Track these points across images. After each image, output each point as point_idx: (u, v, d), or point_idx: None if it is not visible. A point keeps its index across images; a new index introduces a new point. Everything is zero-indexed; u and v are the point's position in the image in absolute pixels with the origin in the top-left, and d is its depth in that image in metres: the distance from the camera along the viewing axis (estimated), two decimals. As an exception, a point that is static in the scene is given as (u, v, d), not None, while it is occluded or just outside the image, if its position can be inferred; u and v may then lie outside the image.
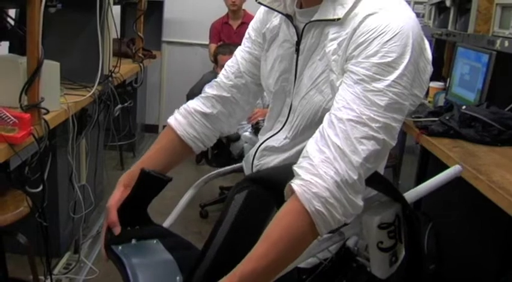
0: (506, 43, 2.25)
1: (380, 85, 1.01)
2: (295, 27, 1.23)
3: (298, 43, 1.22)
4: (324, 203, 0.96)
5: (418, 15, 3.69)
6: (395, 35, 1.03)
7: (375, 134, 1.00)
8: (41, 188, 2.31)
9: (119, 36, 3.83)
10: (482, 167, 1.85)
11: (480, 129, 2.24)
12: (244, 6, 5.10)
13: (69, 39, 3.10)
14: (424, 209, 2.82)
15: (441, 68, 3.56)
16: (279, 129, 1.32)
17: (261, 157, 1.36)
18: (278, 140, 1.31)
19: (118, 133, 4.12)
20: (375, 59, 1.02)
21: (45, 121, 2.25)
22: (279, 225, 0.99)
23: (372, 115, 1.00)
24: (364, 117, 1.00)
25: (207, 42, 5.26)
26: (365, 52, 1.04)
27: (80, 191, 3.00)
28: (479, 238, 2.24)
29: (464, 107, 2.38)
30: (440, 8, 3.13)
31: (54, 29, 2.73)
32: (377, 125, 1.00)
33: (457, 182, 1.87)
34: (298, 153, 1.08)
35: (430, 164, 2.82)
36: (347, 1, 1.11)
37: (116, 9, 4.35)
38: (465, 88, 2.78)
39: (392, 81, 1.02)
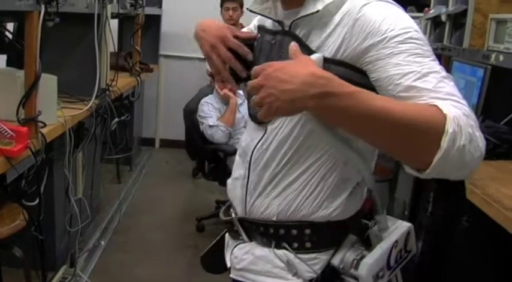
0: (501, 57, 2.26)
1: (415, 50, 1.03)
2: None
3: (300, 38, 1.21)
4: (460, 119, 0.95)
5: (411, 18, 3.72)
6: (397, 14, 1.09)
7: (442, 74, 1.02)
8: (37, 201, 2.31)
9: (117, 50, 3.84)
10: (478, 181, 1.86)
11: (476, 143, 2.25)
12: (241, 20, 5.13)
13: (66, 53, 3.11)
14: (422, 221, 2.81)
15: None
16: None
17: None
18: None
19: (115, 146, 4.12)
20: (396, 39, 1.04)
21: (42, 134, 2.25)
22: (415, 106, 0.98)
23: (426, 66, 1.02)
24: (423, 70, 1.01)
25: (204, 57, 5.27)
26: (381, 38, 1.05)
27: (76, 204, 3.00)
28: (479, 251, 2.24)
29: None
30: (436, 23, 3.16)
31: (52, 42, 2.74)
32: (436, 68, 1.02)
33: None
34: None
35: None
36: None
37: (114, 23, 4.38)
38: (461, 102, 2.79)
39: (420, 41, 1.05)
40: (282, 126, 1.22)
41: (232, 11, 4.95)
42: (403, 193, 3.18)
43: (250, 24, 1.45)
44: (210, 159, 3.90)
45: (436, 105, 0.96)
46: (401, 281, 1.29)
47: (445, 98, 0.98)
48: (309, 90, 0.94)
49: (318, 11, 1.13)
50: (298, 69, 0.98)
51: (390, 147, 1.00)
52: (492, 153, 2.21)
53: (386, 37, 1.05)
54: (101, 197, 3.95)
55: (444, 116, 0.94)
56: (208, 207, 4.16)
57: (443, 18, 2.89)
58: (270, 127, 1.25)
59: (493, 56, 2.30)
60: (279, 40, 1.22)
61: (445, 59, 3.32)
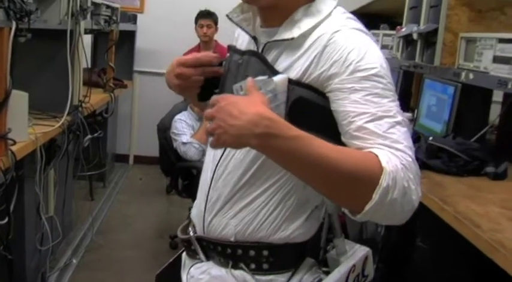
0: (471, 75, 2.30)
1: (375, 89, 1.05)
2: (258, 49, 1.25)
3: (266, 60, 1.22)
4: (396, 173, 0.98)
5: (386, 47, 3.77)
6: (366, 46, 1.10)
7: (396, 119, 1.04)
8: (6, 220, 2.26)
9: (90, 66, 3.82)
10: (449, 198, 1.87)
11: (447, 160, 2.27)
12: (215, 37, 5.15)
13: (38, 69, 3.08)
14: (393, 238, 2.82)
15: (409, 99, 3.62)
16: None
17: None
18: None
19: (88, 163, 4.07)
20: (360, 74, 1.06)
21: (12, 152, 2.21)
22: (354, 154, 1.01)
23: (382, 109, 1.04)
24: (378, 113, 1.04)
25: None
26: (346, 69, 1.07)
27: (47, 222, 2.94)
28: (450, 268, 2.25)
29: (431, 138, 2.42)
30: (408, 41, 3.20)
31: (23, 58, 2.71)
32: (392, 111, 1.05)
33: (424, 212, 1.89)
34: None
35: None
36: (304, 24, 1.15)
37: (88, 39, 4.36)
38: (432, 119, 2.83)
39: (383, 80, 1.07)
40: (237, 152, 1.22)
41: (206, 28, 4.96)
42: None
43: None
44: (184, 176, 3.88)
45: (377, 156, 0.99)
46: None
47: (391, 145, 1.01)
48: (253, 129, 0.97)
49: (292, 38, 1.14)
50: (247, 106, 1.00)
51: (326, 192, 1.05)
52: (463, 170, 2.23)
53: (351, 69, 1.06)
54: (73, 214, 3.89)
55: (381, 169, 0.97)
56: (181, 223, 4.12)
57: (415, 36, 2.93)
58: (225, 152, 1.25)
59: (463, 74, 2.34)
60: (245, 60, 1.23)
61: (416, 77, 3.37)
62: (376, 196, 0.96)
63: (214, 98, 1.03)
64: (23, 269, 2.88)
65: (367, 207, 0.98)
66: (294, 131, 0.98)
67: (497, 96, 2.91)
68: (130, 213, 4.60)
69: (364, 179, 0.97)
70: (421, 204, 1.08)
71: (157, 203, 4.96)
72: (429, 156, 2.31)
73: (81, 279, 3.35)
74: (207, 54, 1.31)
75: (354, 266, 1.23)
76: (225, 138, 0.99)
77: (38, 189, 2.77)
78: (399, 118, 1.05)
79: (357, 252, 1.27)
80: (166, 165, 3.99)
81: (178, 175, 3.89)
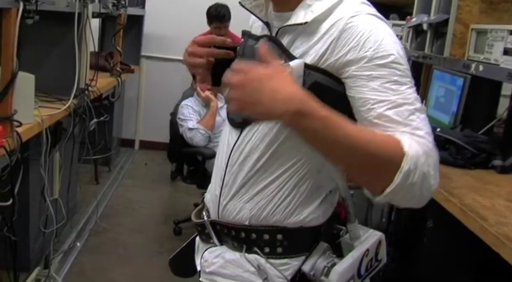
0: (481, 67, 2.27)
1: (393, 76, 1.06)
2: (270, 34, 1.24)
3: (281, 45, 1.21)
4: (417, 158, 0.99)
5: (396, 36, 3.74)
6: (383, 32, 1.09)
7: (415, 106, 1.05)
8: (10, 201, 2.27)
9: (98, 50, 3.81)
10: (455, 190, 1.86)
11: (454, 152, 2.26)
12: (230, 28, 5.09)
13: (45, 51, 3.07)
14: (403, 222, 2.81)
15: (418, 90, 3.60)
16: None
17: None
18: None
19: (93, 147, 4.08)
20: (378, 61, 1.06)
21: (18, 134, 2.21)
22: (379, 137, 1.02)
23: (402, 96, 1.04)
24: (398, 100, 1.04)
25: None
26: (364, 55, 1.06)
27: (52, 205, 2.95)
28: (455, 260, 2.25)
29: (438, 129, 2.40)
30: (418, 31, 3.17)
31: (30, 40, 2.71)
32: (411, 99, 1.05)
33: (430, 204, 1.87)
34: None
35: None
36: (317, 8, 1.13)
37: (96, 22, 4.34)
38: (440, 111, 2.81)
39: (400, 67, 1.07)
40: (256, 131, 1.22)
41: (222, 29, 4.89)
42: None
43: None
44: (188, 162, 3.88)
45: (399, 140, 1.00)
46: None
47: (412, 132, 1.03)
48: (287, 107, 0.98)
49: (306, 23, 1.13)
50: (280, 84, 1.00)
51: (350, 171, 1.07)
52: (470, 162, 2.22)
53: (368, 56, 1.06)
54: (77, 197, 3.91)
55: (404, 153, 0.99)
56: (186, 210, 4.13)
57: (425, 27, 2.90)
58: (245, 131, 1.24)
59: (473, 65, 2.31)
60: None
61: (426, 67, 3.34)
62: (397, 179, 0.98)
63: (244, 65, 1.03)
64: (27, 251, 2.90)
65: (388, 190, 1.00)
66: (324, 110, 0.99)
67: (506, 90, 2.88)
68: (135, 198, 4.60)
69: (387, 162, 0.99)
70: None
71: (162, 189, 4.97)
72: (436, 147, 2.29)
73: (85, 262, 3.36)
74: (221, 39, 1.29)
75: (367, 250, 1.23)
76: (255, 110, 1.00)
77: (43, 171, 2.77)
78: (418, 105, 1.06)
79: (370, 237, 1.27)
80: (173, 151, 4.00)
81: (183, 161, 3.89)
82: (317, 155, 1.13)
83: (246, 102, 0.99)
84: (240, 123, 1.26)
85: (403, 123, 1.03)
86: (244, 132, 1.24)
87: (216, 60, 1.29)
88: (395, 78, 1.05)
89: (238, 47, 1.29)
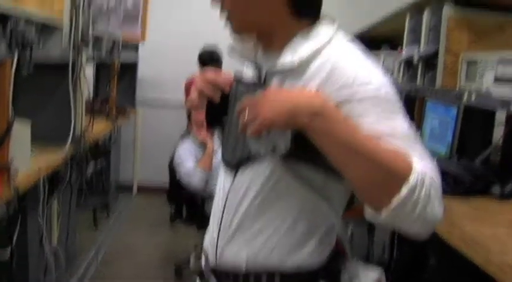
0: (473, 97, 2.29)
1: (387, 109, 1.07)
2: (260, 76, 1.26)
3: None
4: (424, 176, 1.00)
5: (388, 70, 3.78)
6: (371, 68, 1.12)
7: (412, 133, 1.08)
8: (9, 251, 2.24)
9: (93, 95, 3.84)
10: (455, 220, 1.85)
11: (452, 182, 2.26)
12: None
13: (41, 99, 3.09)
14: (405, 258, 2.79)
15: (412, 122, 3.61)
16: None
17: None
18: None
19: (91, 192, 4.06)
20: (370, 98, 1.07)
21: (15, 183, 2.21)
22: (390, 148, 1.02)
23: (398, 125, 1.07)
24: (395, 130, 1.06)
25: (181, 101, 5.26)
26: (355, 94, 1.07)
27: (51, 253, 2.92)
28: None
29: (435, 160, 2.40)
30: (409, 64, 3.20)
31: (26, 88, 2.72)
32: (406, 127, 1.08)
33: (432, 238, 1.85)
34: None
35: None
36: (304, 51, 1.15)
37: (90, 68, 4.38)
38: (436, 141, 2.82)
39: (392, 99, 1.10)
40: (250, 172, 1.22)
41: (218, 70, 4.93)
42: (381, 236, 3.17)
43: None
44: (188, 204, 3.86)
45: (409, 155, 1.02)
46: None
47: (416, 156, 1.03)
48: (308, 108, 1.03)
49: (293, 66, 1.15)
50: (300, 91, 1.09)
51: (358, 180, 1.04)
52: (469, 191, 2.21)
53: (359, 94, 1.07)
54: (76, 244, 3.87)
55: (412, 167, 1.00)
56: (186, 252, 4.09)
57: (416, 59, 2.93)
58: (239, 172, 1.25)
59: (465, 95, 2.33)
60: (251, 91, 1.22)
61: (419, 100, 3.36)
62: (404, 190, 0.98)
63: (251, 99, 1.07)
64: (27, 301, 2.85)
65: (394, 201, 0.99)
66: (342, 114, 1.03)
67: (501, 116, 2.90)
68: (135, 242, 4.56)
69: (396, 172, 1.00)
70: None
71: (162, 232, 4.93)
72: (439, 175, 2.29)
73: (86, 310, 3.31)
74: (225, 80, 1.29)
75: None
76: (274, 116, 1.03)
77: (41, 220, 2.76)
78: (413, 132, 1.08)
79: (370, 275, 1.25)
80: (173, 192, 3.98)
81: (182, 203, 3.88)
82: (314, 194, 1.14)
83: (271, 109, 1.02)
84: (235, 164, 1.27)
85: (406, 149, 1.04)
86: (238, 174, 1.25)
87: (209, 103, 1.30)
88: (389, 109, 1.07)
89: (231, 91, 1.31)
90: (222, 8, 1.22)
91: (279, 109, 1.03)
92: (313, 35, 1.18)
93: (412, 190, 0.98)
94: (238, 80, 1.31)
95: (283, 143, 1.07)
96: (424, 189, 0.99)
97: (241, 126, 1.08)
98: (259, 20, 1.21)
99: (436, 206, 1.02)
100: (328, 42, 1.16)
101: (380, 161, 1.00)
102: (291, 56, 1.16)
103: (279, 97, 1.06)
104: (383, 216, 1.01)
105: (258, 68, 1.27)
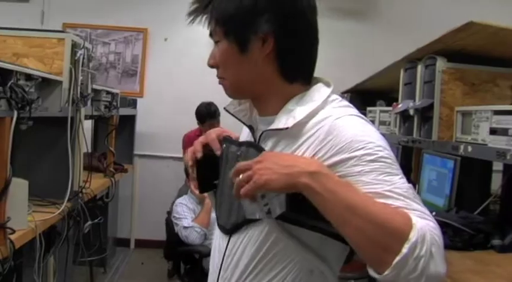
0: (470, 148, 2.30)
1: (385, 169, 1.08)
2: (255, 138, 1.27)
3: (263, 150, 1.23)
4: (425, 232, 0.99)
5: (384, 123, 3.81)
6: (368, 131, 1.13)
7: (410, 192, 1.07)
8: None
9: (91, 150, 3.85)
10: (456, 274, 1.83)
11: (451, 235, 2.24)
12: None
13: (39, 155, 3.10)
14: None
15: (409, 174, 3.62)
16: None
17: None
18: None
19: (88, 248, 4.01)
20: (367, 157, 1.08)
21: (11, 241, 2.19)
22: (389, 208, 1.02)
23: (396, 185, 1.06)
24: (393, 189, 1.05)
25: (179, 155, 5.27)
26: (352, 154, 1.08)
27: (46, 312, 2.87)
28: None
29: (434, 213, 2.39)
30: (405, 116, 3.23)
31: (24, 144, 2.74)
32: (405, 186, 1.07)
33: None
34: None
35: None
36: (298, 114, 1.16)
37: (88, 123, 4.41)
38: (434, 194, 2.81)
39: (389, 160, 1.09)
40: (245, 236, 1.22)
41: (215, 125, 4.97)
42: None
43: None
44: (186, 260, 3.82)
45: (408, 213, 1.02)
46: None
47: (416, 215, 1.03)
48: (307, 168, 1.04)
49: (287, 128, 1.16)
50: (297, 156, 1.11)
51: (357, 238, 1.03)
52: (469, 244, 2.20)
53: (358, 155, 1.08)
54: (72, 302, 3.80)
55: (412, 225, 0.99)
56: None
57: (411, 112, 2.96)
58: (234, 237, 1.24)
59: (462, 147, 2.34)
60: (243, 151, 1.25)
61: (416, 152, 3.38)
62: (404, 250, 0.97)
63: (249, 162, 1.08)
64: None
65: (395, 261, 0.97)
66: (337, 176, 1.05)
67: (497, 165, 2.90)
68: (132, 299, 4.49)
69: (396, 231, 0.99)
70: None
71: (159, 289, 4.86)
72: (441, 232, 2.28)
73: None
74: (216, 145, 1.34)
75: None
76: (272, 177, 1.03)
77: (36, 277, 2.71)
78: (412, 191, 1.07)
79: None
80: (170, 248, 3.94)
81: (180, 259, 3.83)
82: (310, 255, 1.13)
83: (267, 170, 1.03)
84: (229, 229, 1.27)
85: (404, 208, 1.03)
86: (233, 238, 1.24)
87: (199, 167, 1.32)
88: (387, 170, 1.07)
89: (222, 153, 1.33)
90: (217, 72, 1.26)
91: (278, 170, 1.03)
92: (308, 99, 1.20)
93: (413, 248, 0.97)
94: (227, 141, 1.33)
95: (278, 205, 1.06)
96: (425, 246, 0.98)
97: (235, 188, 1.07)
98: (251, 86, 1.24)
99: (439, 263, 1.01)
100: (324, 104, 1.18)
101: (379, 220, 0.99)
102: (285, 119, 1.17)
103: (276, 159, 1.06)
104: (385, 275, 1.00)
105: (252, 130, 1.28)
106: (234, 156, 1.27)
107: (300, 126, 1.16)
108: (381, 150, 1.09)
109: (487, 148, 2.16)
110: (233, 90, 1.27)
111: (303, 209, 1.07)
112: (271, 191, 1.06)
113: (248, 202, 1.08)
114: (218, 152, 1.31)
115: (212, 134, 1.35)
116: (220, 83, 1.28)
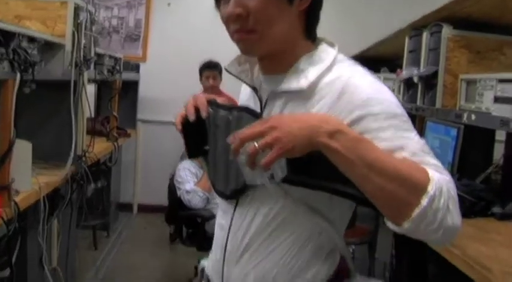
0: (473, 117, 2.30)
1: (401, 126, 1.09)
2: (260, 98, 1.25)
3: (261, 114, 1.22)
4: (442, 185, 1.01)
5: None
6: (382, 89, 1.13)
7: (426, 148, 1.09)
8: (8, 272, 2.23)
9: (94, 115, 3.85)
10: (456, 240, 1.84)
11: (453, 202, 2.25)
12: (220, 87, 5.18)
13: (42, 119, 3.10)
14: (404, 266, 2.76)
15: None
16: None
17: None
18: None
19: (91, 212, 4.05)
20: (384, 115, 1.08)
21: (15, 203, 2.20)
22: (406, 162, 1.03)
23: (413, 141, 1.08)
24: (410, 145, 1.07)
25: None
26: (369, 112, 1.08)
27: (50, 273, 2.90)
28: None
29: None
30: (409, 84, 3.21)
31: (27, 108, 2.73)
32: (421, 142, 1.09)
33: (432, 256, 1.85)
34: None
35: (405, 238, 2.80)
36: (310, 74, 1.15)
37: (91, 88, 4.40)
38: (436, 161, 2.82)
39: (404, 117, 1.11)
40: (252, 201, 1.22)
41: (212, 80, 4.97)
42: (383, 254, 3.16)
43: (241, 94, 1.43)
44: (188, 224, 3.85)
45: (425, 168, 1.03)
46: None
47: (432, 168, 1.04)
48: (325, 126, 1.02)
49: (301, 89, 1.15)
50: (310, 113, 1.09)
51: (377, 194, 1.04)
52: (470, 211, 2.21)
53: (374, 112, 1.08)
54: (76, 264, 3.84)
55: (429, 178, 1.01)
56: (186, 273, 4.07)
57: (415, 79, 2.94)
58: (241, 201, 1.25)
59: (465, 115, 2.34)
60: (235, 116, 1.22)
61: (419, 120, 3.37)
62: (424, 202, 0.99)
63: (257, 122, 1.05)
64: (26, 322, 2.83)
65: (415, 213, 0.99)
66: (356, 132, 1.05)
67: (500, 135, 2.90)
68: (135, 262, 4.54)
69: (414, 184, 1.00)
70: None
71: (162, 252, 4.91)
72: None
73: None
74: (204, 105, 1.29)
75: None
76: (294, 143, 1.01)
77: (41, 239, 2.75)
78: (429, 149, 1.09)
79: None
80: (172, 213, 3.97)
81: (182, 223, 3.86)
82: (317, 218, 1.14)
83: (288, 136, 1.01)
84: (229, 195, 1.28)
85: (423, 162, 1.04)
86: (240, 202, 1.25)
87: (187, 132, 1.30)
88: (404, 126, 1.08)
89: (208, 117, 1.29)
90: (244, 24, 1.16)
91: (298, 133, 1.01)
92: (317, 58, 1.19)
93: (432, 200, 0.99)
94: (214, 105, 1.29)
95: (280, 169, 1.05)
96: (442, 199, 1.00)
97: (249, 157, 1.03)
98: (280, 41, 1.18)
99: (455, 216, 1.02)
100: (334, 63, 1.17)
101: (398, 174, 1.00)
102: (296, 79, 1.16)
103: (291, 121, 1.03)
104: (404, 228, 1.02)
105: (255, 91, 1.27)
106: (225, 121, 1.25)
107: (310, 86, 1.15)
108: (396, 108, 1.10)
109: (490, 117, 2.16)
110: (261, 45, 1.18)
111: (305, 169, 1.07)
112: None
113: (248, 168, 1.05)
114: (204, 114, 1.26)
115: (201, 97, 1.32)
116: (237, 40, 1.19)
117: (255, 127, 1.04)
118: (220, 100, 1.31)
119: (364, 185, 1.04)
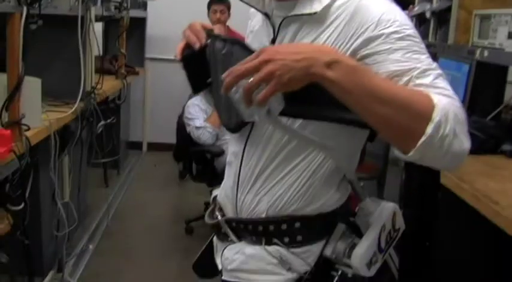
0: (486, 53, 2.27)
1: (412, 47, 1.06)
2: (273, 25, 1.23)
3: (274, 40, 1.21)
4: (448, 111, 0.98)
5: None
6: (394, 9, 1.11)
7: (437, 71, 1.05)
8: (22, 205, 2.28)
9: (102, 53, 3.82)
10: (466, 176, 1.86)
11: (463, 139, 2.25)
12: (228, 23, 5.11)
13: (50, 56, 3.09)
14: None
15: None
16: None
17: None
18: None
19: (101, 150, 4.09)
20: (395, 35, 1.06)
21: (27, 138, 2.22)
22: (408, 89, 1.02)
23: (424, 63, 1.05)
24: (422, 67, 1.04)
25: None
26: (381, 32, 1.07)
27: (63, 208, 2.96)
28: (469, 247, 2.23)
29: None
30: (421, 20, 3.17)
31: (35, 45, 2.72)
32: (432, 65, 1.06)
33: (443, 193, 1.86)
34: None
35: (414, 175, 2.81)
36: None
37: (99, 26, 4.36)
38: (447, 98, 2.79)
39: (416, 39, 1.08)
40: (261, 133, 1.23)
41: (219, 14, 4.92)
42: (391, 192, 3.18)
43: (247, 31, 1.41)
44: (198, 160, 3.88)
45: (428, 94, 1.00)
46: (394, 257, 1.30)
47: (440, 92, 1.01)
48: (323, 57, 0.98)
49: (315, 13, 1.13)
50: (304, 44, 1.07)
51: (380, 124, 1.02)
52: (480, 148, 2.21)
53: (386, 33, 1.06)
54: (88, 201, 3.92)
55: (434, 105, 0.97)
56: (196, 209, 4.13)
57: (428, 15, 2.90)
58: (249, 140, 1.26)
59: (478, 51, 2.31)
60: (228, 50, 1.22)
61: (430, 56, 3.34)
62: (429, 130, 0.96)
63: (253, 55, 1.01)
64: (40, 255, 2.91)
65: (420, 141, 0.97)
66: (355, 61, 1.02)
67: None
68: (145, 199, 4.62)
69: (418, 113, 0.98)
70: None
71: (172, 189, 4.99)
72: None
73: (99, 265, 3.37)
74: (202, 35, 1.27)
75: (383, 225, 1.23)
76: (291, 74, 0.97)
77: (53, 175, 2.79)
78: (440, 70, 1.06)
79: (384, 211, 1.25)
80: (180, 150, 4.00)
81: (192, 160, 3.90)
82: (321, 149, 1.14)
83: (283, 68, 0.97)
84: (233, 129, 1.29)
85: (431, 85, 1.02)
86: (251, 133, 1.25)
87: (188, 64, 1.29)
88: (415, 48, 1.06)
89: (207, 50, 1.27)
90: None
91: (293, 65, 0.98)
92: None
93: (437, 128, 0.96)
94: (212, 36, 1.26)
95: (276, 102, 1.02)
96: (449, 125, 0.97)
97: (245, 94, 0.99)
98: None
99: (463, 140, 1.00)
100: None
101: (401, 103, 0.98)
102: (309, 3, 1.14)
103: (285, 53, 0.99)
104: (411, 156, 1.00)
105: (267, 17, 1.25)
106: (219, 55, 1.23)
107: (324, 9, 1.13)
108: (408, 29, 1.08)
109: (504, 53, 2.13)
110: None
111: (303, 100, 1.06)
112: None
113: (244, 105, 1.01)
114: (197, 45, 1.24)
115: (197, 24, 1.29)
116: None
117: (248, 62, 1.00)
118: (216, 30, 1.29)
119: (366, 115, 1.02)
